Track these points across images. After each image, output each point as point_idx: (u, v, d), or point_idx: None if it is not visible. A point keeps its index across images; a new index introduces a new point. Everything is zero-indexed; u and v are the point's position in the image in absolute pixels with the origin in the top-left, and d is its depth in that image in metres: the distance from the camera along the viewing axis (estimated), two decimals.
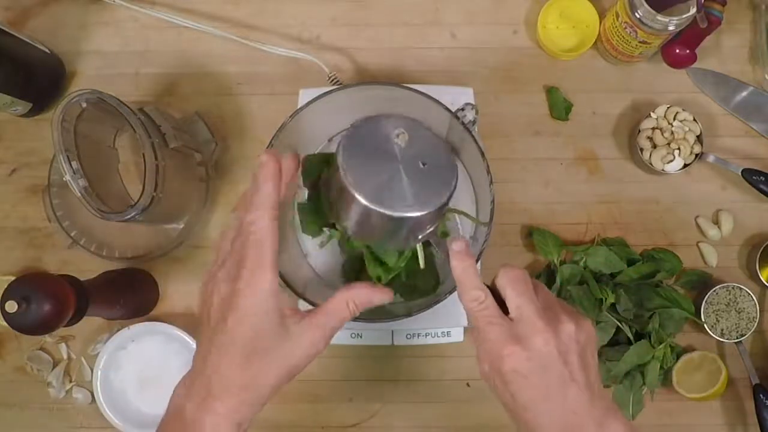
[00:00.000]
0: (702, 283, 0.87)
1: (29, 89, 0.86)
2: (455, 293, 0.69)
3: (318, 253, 0.75)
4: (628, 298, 0.81)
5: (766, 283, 0.85)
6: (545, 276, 0.86)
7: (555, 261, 0.85)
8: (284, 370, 0.49)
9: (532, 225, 0.88)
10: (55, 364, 0.89)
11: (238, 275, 0.48)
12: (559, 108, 0.88)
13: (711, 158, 0.85)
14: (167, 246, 0.87)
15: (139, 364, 0.87)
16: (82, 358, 0.89)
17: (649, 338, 0.82)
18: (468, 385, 0.88)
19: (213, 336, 0.48)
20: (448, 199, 0.53)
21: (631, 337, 0.82)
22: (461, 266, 0.52)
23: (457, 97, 0.74)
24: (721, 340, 0.85)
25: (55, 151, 0.72)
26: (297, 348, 0.49)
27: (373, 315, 0.72)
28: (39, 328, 0.70)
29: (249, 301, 0.47)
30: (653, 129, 0.86)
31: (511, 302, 0.51)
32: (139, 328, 0.86)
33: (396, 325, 0.80)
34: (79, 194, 0.72)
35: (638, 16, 0.77)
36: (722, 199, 0.89)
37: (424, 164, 0.52)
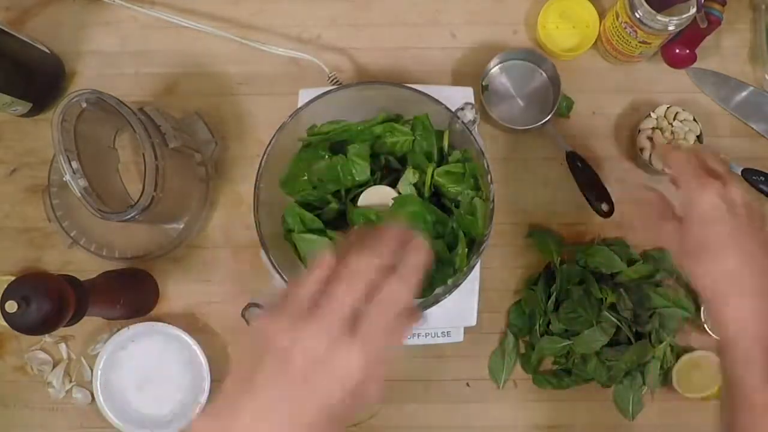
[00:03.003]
0: None
1: (29, 89, 0.86)
2: (454, 293, 0.70)
3: None
4: (628, 298, 0.81)
5: None
6: (545, 276, 0.86)
7: (555, 261, 0.85)
8: None
9: (532, 225, 0.88)
10: (55, 364, 0.89)
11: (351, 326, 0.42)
12: (560, 105, 0.88)
13: None
14: (167, 246, 0.87)
15: (139, 364, 0.87)
16: (82, 358, 0.89)
17: (649, 338, 0.82)
18: (468, 385, 0.88)
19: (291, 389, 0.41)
20: None
21: (631, 337, 0.82)
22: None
23: (457, 97, 0.74)
24: None
25: (55, 151, 0.72)
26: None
27: None
28: (39, 328, 0.70)
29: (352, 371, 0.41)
30: (653, 129, 0.86)
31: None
32: (138, 328, 0.86)
33: None
34: (79, 194, 0.72)
35: (638, 16, 0.77)
36: None
37: None
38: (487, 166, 0.70)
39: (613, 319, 0.81)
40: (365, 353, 0.41)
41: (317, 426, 0.41)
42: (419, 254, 0.45)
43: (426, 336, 0.82)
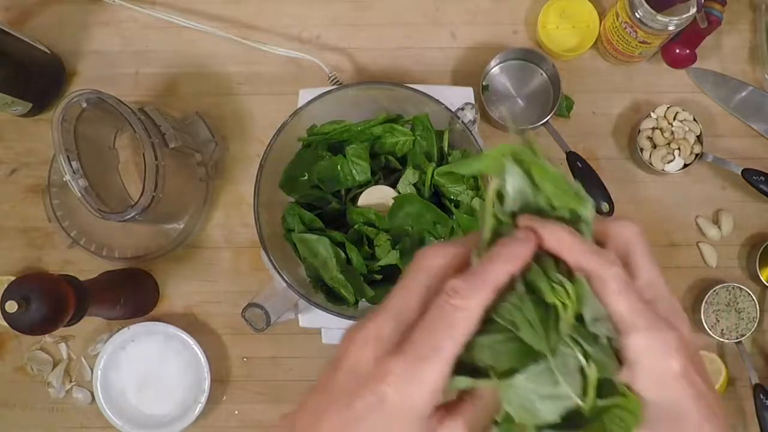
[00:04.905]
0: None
1: (29, 89, 0.86)
2: None
3: None
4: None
5: (766, 283, 0.85)
6: None
7: None
8: None
9: None
10: (55, 364, 0.89)
11: (402, 349, 0.33)
12: (560, 105, 0.87)
13: (711, 158, 0.85)
14: (167, 246, 0.87)
15: (139, 364, 0.87)
16: (82, 358, 0.89)
17: None
18: None
19: (336, 410, 0.33)
20: None
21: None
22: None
23: (457, 97, 0.74)
24: (721, 340, 0.85)
25: (55, 151, 0.72)
26: None
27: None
28: (39, 328, 0.70)
29: (401, 396, 0.32)
30: (653, 129, 0.86)
31: None
32: (138, 328, 0.86)
33: None
34: (79, 194, 0.72)
35: (638, 16, 0.77)
36: (722, 199, 0.88)
37: None
38: None
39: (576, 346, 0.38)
40: (418, 371, 0.32)
41: None
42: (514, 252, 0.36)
43: None
